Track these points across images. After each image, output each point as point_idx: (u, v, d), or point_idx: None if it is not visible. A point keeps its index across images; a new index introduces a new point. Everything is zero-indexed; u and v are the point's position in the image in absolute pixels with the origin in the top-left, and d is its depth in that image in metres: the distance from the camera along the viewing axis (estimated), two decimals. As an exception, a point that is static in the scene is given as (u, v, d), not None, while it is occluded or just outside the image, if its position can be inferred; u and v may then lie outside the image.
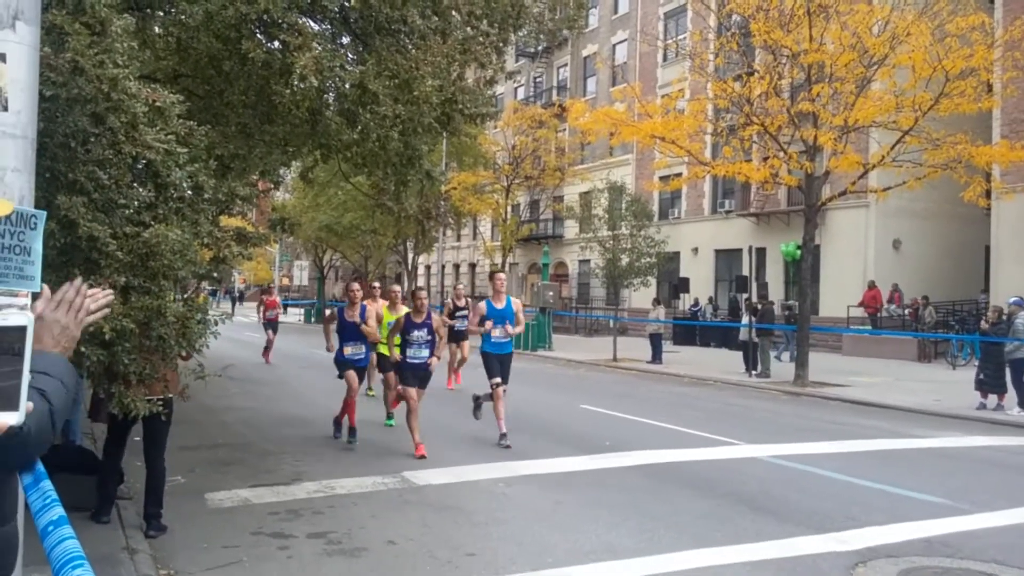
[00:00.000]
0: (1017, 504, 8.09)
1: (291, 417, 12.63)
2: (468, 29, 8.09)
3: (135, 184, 5.27)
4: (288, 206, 39.85)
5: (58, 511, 2.33)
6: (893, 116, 18.35)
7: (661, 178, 31.12)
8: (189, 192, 5.61)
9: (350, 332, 10.52)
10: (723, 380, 20.18)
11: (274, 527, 6.69)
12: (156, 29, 7.99)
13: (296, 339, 32.09)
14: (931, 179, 19.02)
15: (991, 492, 8.75)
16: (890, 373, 21.87)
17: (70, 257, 5.01)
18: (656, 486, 8.55)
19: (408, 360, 10.07)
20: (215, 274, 6.90)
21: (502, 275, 11.27)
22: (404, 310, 11.58)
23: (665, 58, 38.82)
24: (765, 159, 20.69)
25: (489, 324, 10.55)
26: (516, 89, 50.24)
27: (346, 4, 7.15)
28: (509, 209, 39.08)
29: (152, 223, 5.21)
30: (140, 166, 5.21)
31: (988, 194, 20.80)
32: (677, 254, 37.36)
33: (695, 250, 37.39)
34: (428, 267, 56.29)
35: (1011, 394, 14.88)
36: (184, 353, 5.51)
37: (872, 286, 28.48)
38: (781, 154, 19.38)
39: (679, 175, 27.46)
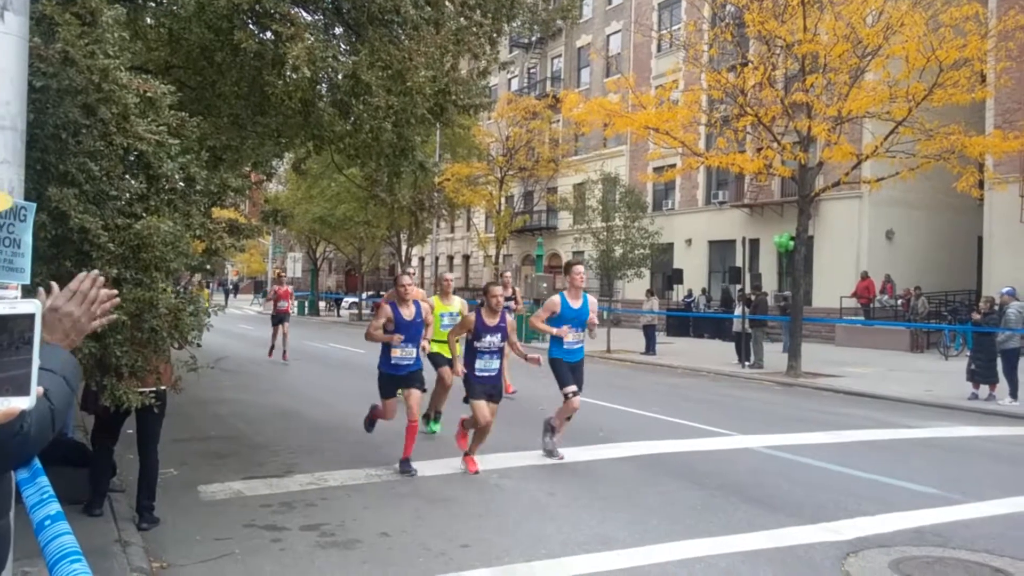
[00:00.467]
0: (1008, 494, 8.14)
1: (284, 410, 12.62)
2: (461, 19, 8.05)
3: (127, 176, 5.24)
4: (281, 198, 39.78)
5: (55, 507, 2.33)
6: (887, 107, 18.36)
7: (655, 169, 31.12)
8: (181, 183, 5.58)
9: (403, 329, 8.67)
10: (716, 371, 20.22)
11: (267, 519, 6.69)
12: (148, 20, 7.94)
13: (290, 331, 32.00)
14: (924, 170, 19.06)
15: (982, 482, 8.79)
16: (883, 363, 21.94)
17: (61, 249, 4.99)
18: (649, 477, 8.57)
19: (478, 374, 8.38)
20: (208, 266, 6.88)
21: (581, 268, 9.39)
22: (458, 302, 10.82)
23: (659, 49, 38.77)
24: (759, 150, 20.69)
25: (566, 330, 8.99)
26: (510, 80, 50.15)
27: (338, -6, 7.12)
28: (503, 200, 39.06)
29: (144, 215, 5.18)
30: (132, 157, 5.19)
31: (981, 184, 20.85)
32: (671, 245, 37.38)
33: (689, 241, 37.42)
34: (422, 259, 56.24)
35: (1003, 384, 14.94)
36: (177, 344, 5.49)
37: (865, 277, 28.54)
38: (775, 145, 19.38)
39: (673, 166, 27.50)
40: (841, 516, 7.14)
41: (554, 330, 9.02)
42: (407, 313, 8.69)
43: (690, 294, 35.40)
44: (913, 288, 27.67)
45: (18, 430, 1.69)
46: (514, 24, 9.54)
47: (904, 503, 7.69)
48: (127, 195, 5.14)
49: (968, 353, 17.09)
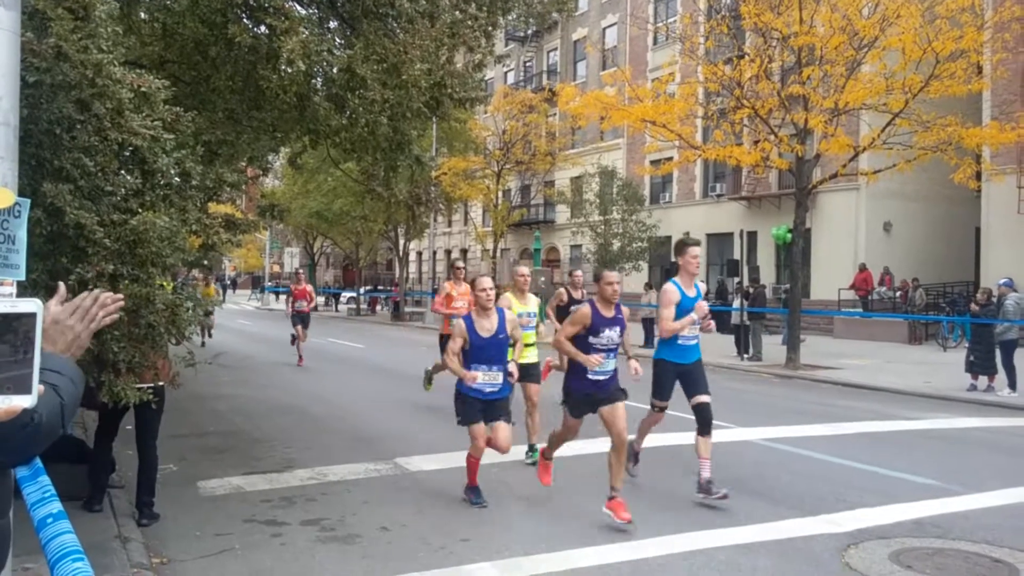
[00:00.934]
0: (1007, 485, 8.14)
1: (283, 404, 12.61)
2: (457, 13, 8.03)
3: (122, 171, 5.22)
4: (278, 193, 39.71)
5: (56, 505, 2.32)
6: (883, 98, 18.36)
7: (652, 162, 31.12)
8: (176, 179, 5.56)
9: (483, 351, 7.03)
10: (715, 364, 20.18)
11: (267, 514, 6.68)
12: (142, 14, 7.91)
13: (286, 326, 32.03)
14: (921, 161, 19.05)
15: (981, 473, 8.79)
16: (881, 355, 21.95)
17: (57, 245, 4.96)
18: (650, 470, 8.56)
19: (591, 377, 6.75)
20: (205, 261, 6.86)
21: (697, 249, 7.82)
22: (534, 300, 9.59)
23: (656, 41, 38.70)
24: (756, 142, 20.69)
25: (691, 320, 7.33)
26: (506, 73, 50.05)
27: (333, -13, 7.09)
28: (500, 194, 39.01)
29: (139, 210, 5.16)
30: (127, 153, 5.16)
31: (978, 176, 20.86)
32: (668, 238, 37.30)
33: (686, 234, 37.36)
34: (419, 253, 56.23)
35: (1001, 375, 14.95)
36: (174, 340, 5.47)
37: (863, 269, 28.56)
38: (772, 137, 19.37)
39: (670, 159, 27.45)
40: (841, 508, 7.14)
41: (677, 325, 7.34)
42: (486, 327, 7.01)
43: (688, 287, 35.35)
44: (911, 280, 27.69)
45: (28, 421, 1.70)
46: (509, 17, 9.50)
47: (904, 494, 7.68)
48: (122, 191, 5.12)
49: (966, 344, 17.10)
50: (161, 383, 6.05)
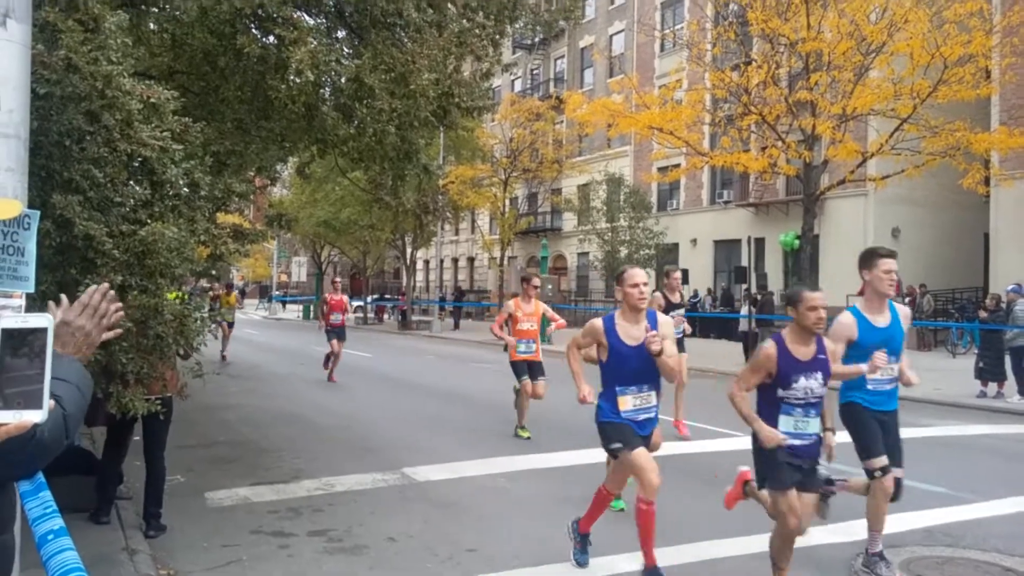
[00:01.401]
0: (1018, 493, 8.08)
1: (290, 415, 12.60)
2: (464, 22, 8.04)
3: (131, 182, 5.24)
4: (286, 202, 39.81)
5: (58, 521, 2.31)
6: (891, 104, 18.34)
7: (659, 169, 31.09)
8: (185, 189, 5.58)
9: (629, 364, 5.43)
10: (724, 371, 20.14)
11: (274, 525, 6.67)
12: (151, 25, 7.94)
13: (293, 335, 32.10)
14: (930, 167, 19.02)
15: (992, 481, 8.73)
16: (890, 362, 21.82)
17: (66, 256, 4.98)
18: (662, 479, 8.52)
19: (791, 442, 4.99)
20: (213, 271, 6.88)
21: (893, 263, 5.86)
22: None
23: (663, 48, 38.73)
24: (763, 149, 20.68)
25: (881, 357, 5.34)
26: (513, 81, 50.13)
27: (341, -2, 7.11)
28: (507, 202, 39.07)
29: (148, 221, 5.18)
30: (136, 164, 5.18)
31: (987, 181, 20.79)
32: (676, 245, 37.32)
33: (694, 241, 37.35)
34: (427, 262, 56.26)
35: (1011, 382, 14.87)
36: (183, 352, 5.47)
37: (871, 275, 28.45)
38: (779, 143, 19.36)
39: (677, 166, 27.44)
40: (850, 516, 7.08)
41: (843, 371, 5.48)
42: (634, 334, 5.34)
43: (696, 294, 35.33)
44: (919, 286, 27.58)
45: (32, 434, 1.69)
46: (516, 25, 9.51)
47: (914, 503, 7.63)
48: (131, 201, 5.13)
49: (976, 351, 17.01)
50: (169, 394, 6.06)
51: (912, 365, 6.07)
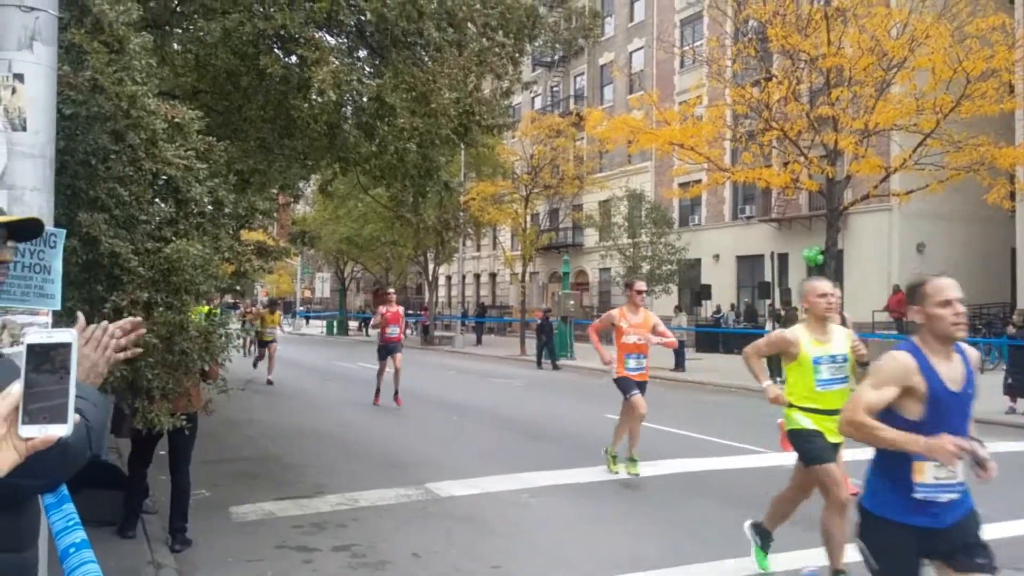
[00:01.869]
0: (1049, 510, 7.96)
1: (314, 429, 12.66)
2: (484, 40, 8.11)
3: (156, 200, 5.31)
4: (309, 219, 40.08)
5: (80, 534, 2.33)
6: (914, 119, 18.22)
7: (680, 185, 31.04)
8: (209, 207, 5.65)
9: (946, 417, 3.53)
10: (747, 387, 20.00)
11: (298, 540, 6.69)
12: (175, 46, 8.06)
13: (317, 351, 32.23)
14: (954, 182, 18.86)
15: (1019, 498, 8.60)
16: (916, 378, 21.57)
17: (93, 273, 5.05)
18: (681, 496, 8.49)
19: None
20: (238, 287, 6.95)
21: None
22: (844, 334, 6.00)
23: (682, 65, 38.76)
24: (785, 164, 20.60)
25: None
26: (533, 99, 50.32)
27: (362, 18, 7.18)
28: (528, 218, 39.13)
29: (173, 239, 5.24)
30: (160, 182, 5.25)
31: (1012, 196, 20.58)
32: (698, 261, 37.20)
33: (716, 257, 37.21)
34: (448, 277, 56.40)
35: (1040, 398, 14.66)
36: (207, 368, 5.52)
37: (897, 291, 28.17)
38: (802, 159, 19.28)
39: (699, 182, 27.41)
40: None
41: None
42: (953, 376, 3.58)
43: (719, 310, 35.17)
44: (945, 301, 27.27)
45: (59, 449, 1.72)
46: (536, 43, 9.56)
47: (941, 520, 7.53)
48: (156, 219, 5.20)
49: (1004, 366, 16.79)
50: (194, 410, 6.10)
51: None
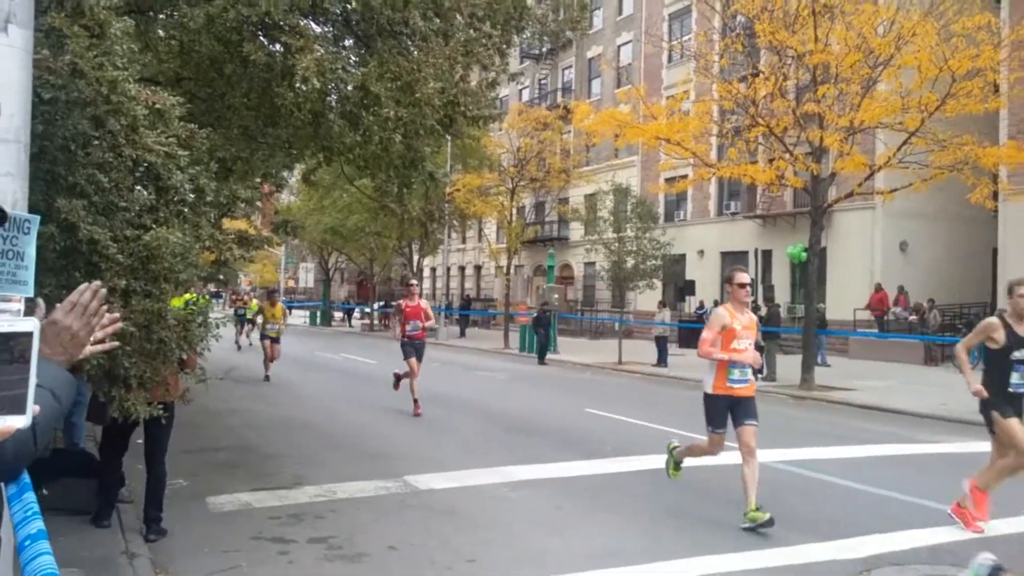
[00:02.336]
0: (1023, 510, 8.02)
1: (295, 420, 12.61)
2: (471, 31, 8.06)
3: (137, 187, 5.25)
4: (293, 209, 39.87)
5: (37, 524, 2.29)
6: (899, 117, 18.26)
7: (666, 180, 31.08)
8: (190, 195, 5.59)
9: None
10: (728, 383, 20.09)
11: (275, 531, 6.66)
12: (160, 32, 7.97)
13: (302, 342, 32.10)
14: (938, 181, 18.94)
15: (998, 499, 8.64)
16: (896, 377, 21.75)
17: (70, 260, 4.99)
18: (661, 491, 8.50)
19: None
20: (220, 276, 6.88)
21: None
22: None
23: (670, 59, 38.76)
24: (771, 161, 20.64)
25: None
26: (521, 91, 50.22)
27: (348, 6, 7.12)
28: (514, 211, 39.08)
29: (153, 226, 5.19)
30: (141, 169, 5.19)
31: (995, 196, 20.70)
32: (683, 256, 37.26)
33: (701, 252, 37.30)
34: (433, 269, 56.29)
35: (1018, 398, 14.76)
36: (186, 357, 5.47)
37: (879, 289, 28.37)
38: (787, 156, 19.31)
39: (685, 177, 27.42)
40: (855, 533, 7.04)
41: None
42: None
43: (702, 305, 35.25)
44: (926, 301, 27.48)
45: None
46: (524, 35, 9.52)
47: (919, 520, 7.58)
48: (137, 207, 5.14)
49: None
50: (171, 399, 6.05)
51: None
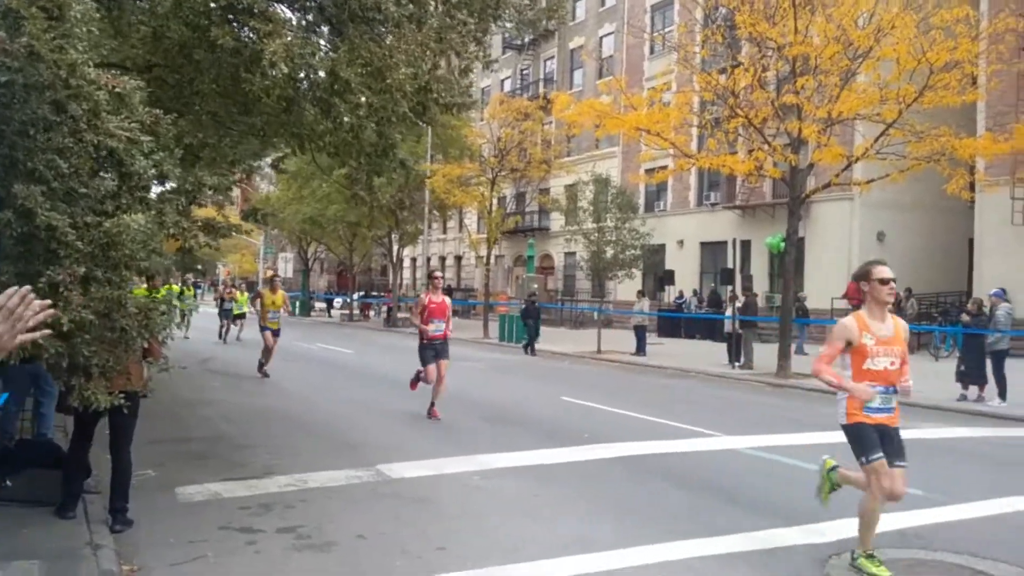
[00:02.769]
0: (993, 495, 8.09)
1: (271, 410, 12.53)
2: (446, 18, 7.99)
3: (100, 173, 5.17)
4: (272, 198, 39.56)
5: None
6: (877, 108, 18.34)
7: (647, 171, 31.10)
8: (154, 181, 5.52)
9: None
10: (706, 372, 20.18)
11: (243, 521, 6.60)
12: (135, 18, 7.86)
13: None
14: (915, 172, 19.05)
15: (967, 483, 8.75)
16: (873, 365, 21.86)
17: (29, 247, 4.91)
18: (633, 478, 8.51)
19: None
20: (199, 266, 6.80)
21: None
22: None
23: (652, 51, 38.76)
24: (750, 152, 20.66)
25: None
26: (503, 81, 50.09)
27: (318, -9, 7.05)
28: (495, 201, 38.99)
29: (116, 213, 5.12)
30: (103, 155, 5.11)
31: (972, 187, 20.84)
32: (663, 246, 37.35)
33: (680, 242, 37.40)
34: (413, 259, 56.13)
35: (991, 386, 14.92)
36: (147, 345, 5.40)
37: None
38: (766, 147, 19.35)
39: (665, 168, 27.46)
40: (824, 517, 7.07)
41: None
42: None
43: (681, 295, 35.36)
44: (904, 290, 27.66)
45: None
46: (502, 24, 9.45)
47: (888, 505, 7.61)
48: (99, 193, 5.07)
49: (958, 355, 17.06)
50: (133, 388, 5.97)
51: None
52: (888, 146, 18.56)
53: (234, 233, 7.22)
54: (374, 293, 51.98)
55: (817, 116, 18.40)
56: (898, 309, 26.81)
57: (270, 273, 17.35)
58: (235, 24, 6.60)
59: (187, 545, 5.96)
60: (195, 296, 28.34)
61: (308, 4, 7.75)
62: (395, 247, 39.87)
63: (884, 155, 18.52)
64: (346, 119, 6.94)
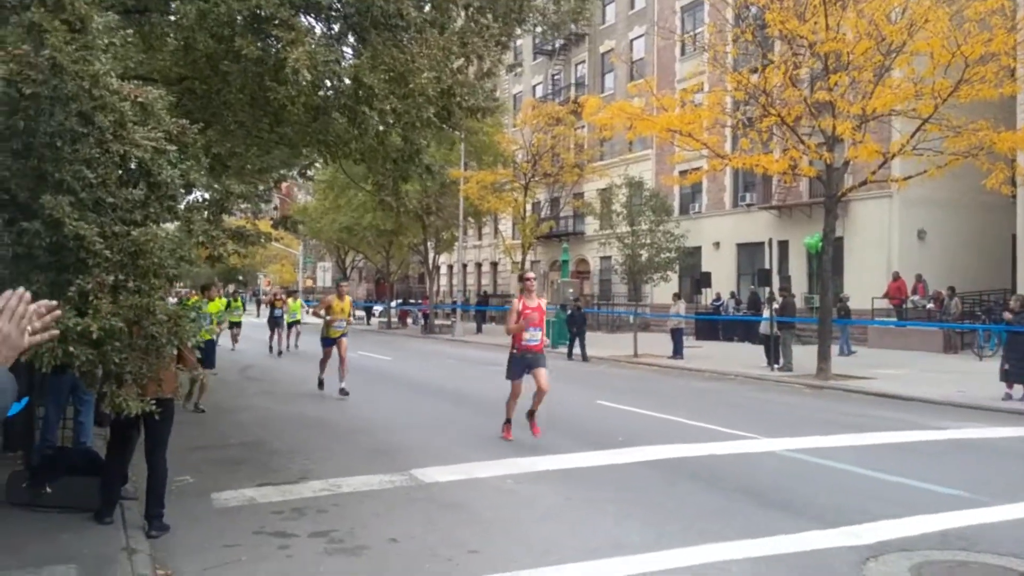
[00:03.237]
0: (1038, 495, 7.89)
1: (306, 416, 12.61)
2: (471, 23, 8.01)
3: (128, 183, 5.24)
4: (309, 208, 39.97)
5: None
6: (912, 104, 18.04)
7: (680, 172, 30.91)
8: (182, 190, 5.58)
9: None
10: (744, 374, 19.96)
11: (277, 526, 6.65)
12: (162, 31, 7.98)
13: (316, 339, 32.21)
14: (953, 167, 18.69)
15: (1012, 483, 8.54)
16: (915, 365, 21.53)
17: (59, 256, 4.99)
18: (668, 481, 8.43)
19: None
20: (240, 276, 6.87)
21: None
22: None
23: (683, 52, 38.55)
24: (784, 151, 20.44)
25: None
26: (535, 87, 50.16)
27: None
28: (529, 207, 39.01)
29: (145, 222, 5.18)
30: (132, 165, 5.19)
31: (1012, 181, 20.40)
32: (698, 248, 37.07)
33: (716, 244, 37.09)
34: (450, 267, 56.34)
35: (1037, 384, 14.58)
36: (177, 350, 5.46)
37: (896, 277, 28.07)
38: (800, 145, 19.13)
39: (698, 169, 27.27)
40: (863, 520, 6.95)
41: None
42: None
43: (718, 297, 35.05)
44: (946, 288, 27.17)
45: None
46: (529, 28, 9.45)
47: (929, 506, 7.47)
48: (127, 203, 5.14)
49: (1002, 353, 16.69)
50: (165, 395, 6.04)
51: None
52: (925, 142, 18.25)
53: (263, 241, 7.30)
54: (412, 300, 52.23)
55: (851, 113, 18.16)
56: (940, 308, 26.37)
57: (342, 284, 15.70)
58: (259, 34, 6.66)
59: (221, 549, 6.01)
60: (243, 307, 28.27)
61: (332, 14, 7.81)
62: (431, 254, 40.03)
63: (921, 151, 18.21)
64: (375, 124, 6.96)
